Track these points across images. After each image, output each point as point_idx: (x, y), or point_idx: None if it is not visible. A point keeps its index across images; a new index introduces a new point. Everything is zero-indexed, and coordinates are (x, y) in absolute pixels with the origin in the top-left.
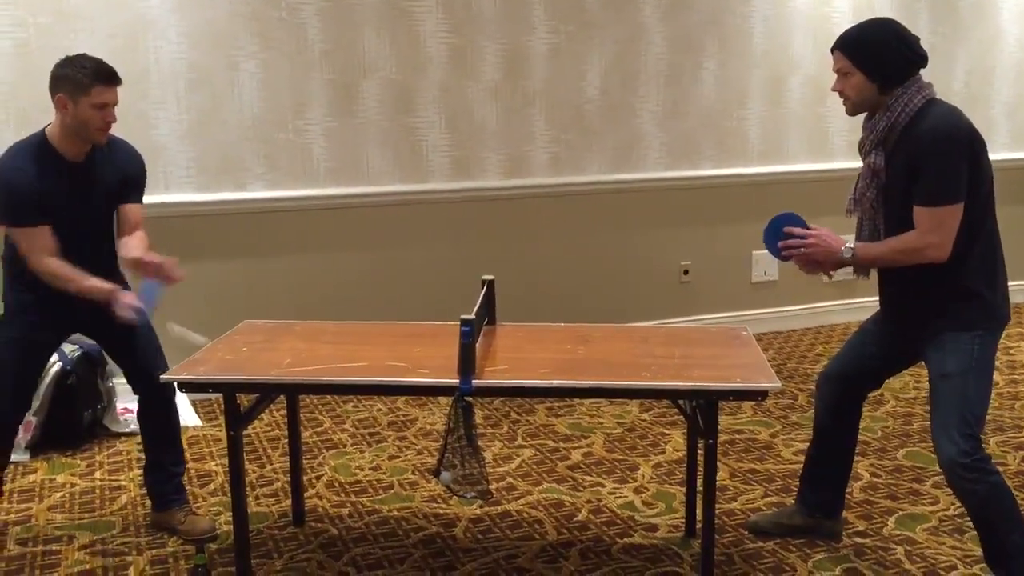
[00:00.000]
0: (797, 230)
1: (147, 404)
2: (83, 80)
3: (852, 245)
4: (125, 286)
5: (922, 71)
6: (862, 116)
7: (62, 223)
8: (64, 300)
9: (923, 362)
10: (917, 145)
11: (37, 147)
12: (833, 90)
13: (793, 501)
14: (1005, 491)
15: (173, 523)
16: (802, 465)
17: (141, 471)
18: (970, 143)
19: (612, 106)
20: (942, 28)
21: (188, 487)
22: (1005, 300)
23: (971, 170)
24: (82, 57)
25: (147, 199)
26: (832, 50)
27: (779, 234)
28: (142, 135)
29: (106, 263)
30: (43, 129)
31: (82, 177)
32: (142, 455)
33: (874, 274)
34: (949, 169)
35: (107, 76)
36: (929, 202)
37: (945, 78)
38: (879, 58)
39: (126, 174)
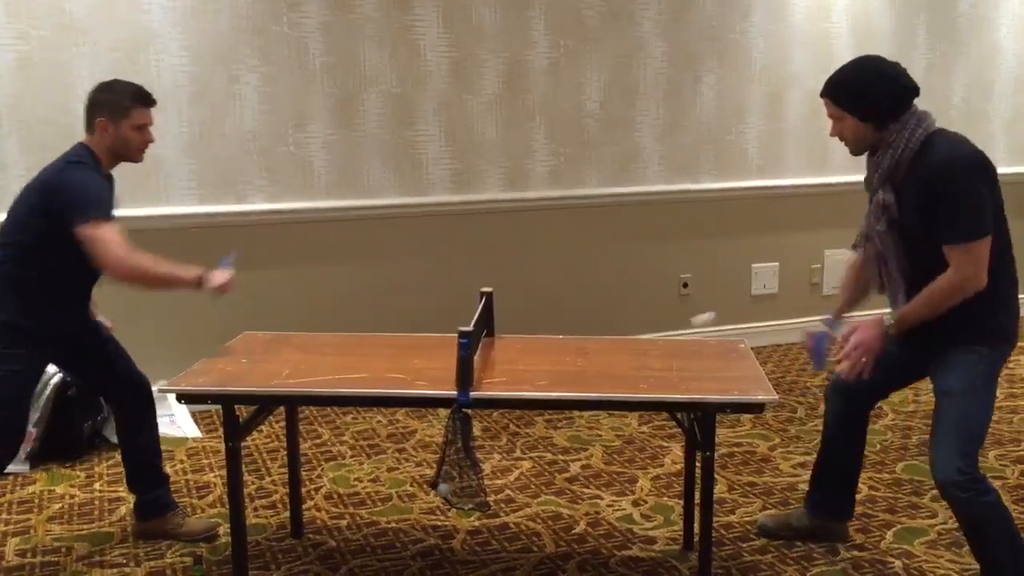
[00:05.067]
0: (837, 347)
1: (136, 410)
2: (123, 103)
3: (890, 321)
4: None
5: (922, 86)
6: None
7: None
8: (55, 332)
9: (928, 378)
10: (931, 179)
11: (93, 160)
12: (831, 135)
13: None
14: (1000, 510)
15: (169, 528)
16: (810, 475)
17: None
18: (985, 169)
19: (611, 120)
20: (940, 44)
21: (187, 498)
22: (1016, 323)
23: (989, 194)
24: (117, 82)
25: (148, 211)
26: (821, 96)
27: (822, 344)
28: None
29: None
30: (81, 144)
31: (112, 194)
32: None
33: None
34: (973, 202)
35: (145, 98)
36: (960, 239)
37: (943, 93)
38: (866, 99)
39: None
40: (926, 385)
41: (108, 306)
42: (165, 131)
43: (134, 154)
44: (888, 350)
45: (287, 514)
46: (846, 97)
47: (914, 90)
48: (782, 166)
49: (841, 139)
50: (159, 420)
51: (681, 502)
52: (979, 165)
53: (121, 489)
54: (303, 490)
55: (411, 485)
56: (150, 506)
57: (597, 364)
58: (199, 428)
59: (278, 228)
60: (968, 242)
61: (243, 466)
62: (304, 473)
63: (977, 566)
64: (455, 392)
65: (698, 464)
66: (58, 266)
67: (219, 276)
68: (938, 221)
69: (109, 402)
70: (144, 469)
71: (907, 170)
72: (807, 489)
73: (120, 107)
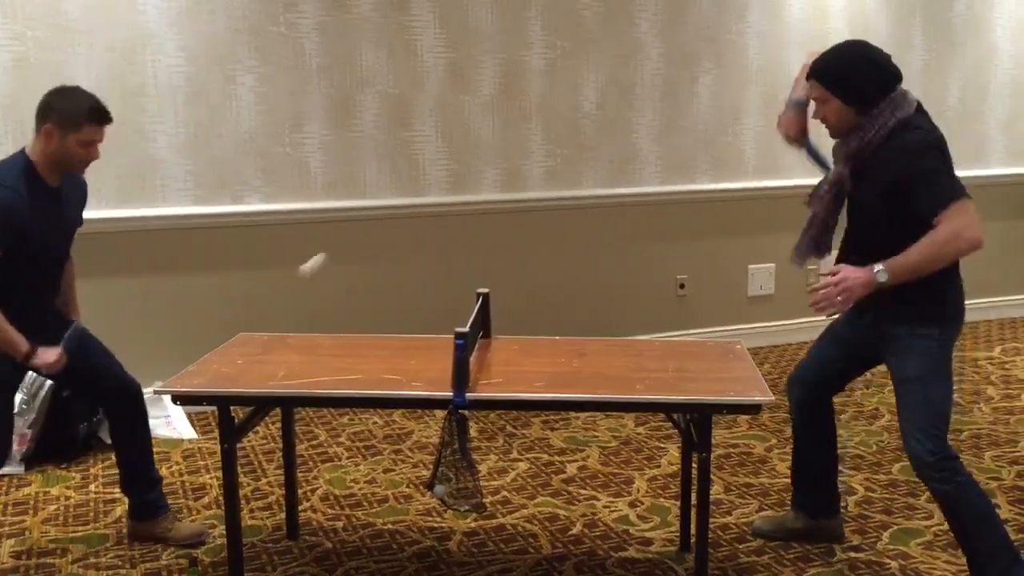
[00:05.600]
0: (822, 279)
1: (125, 415)
2: (77, 117)
3: (881, 267)
4: (55, 317)
5: (918, 87)
6: None
7: (40, 248)
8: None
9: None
10: (893, 166)
11: (25, 169)
12: (814, 118)
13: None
14: (975, 491)
15: (159, 531)
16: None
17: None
18: (943, 150)
19: (608, 121)
20: (936, 45)
21: (183, 500)
22: (962, 299)
23: None
24: (76, 92)
25: (145, 211)
26: (807, 79)
27: None
28: (140, 148)
29: (57, 289)
30: (22, 151)
31: (59, 202)
32: None
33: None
34: (941, 172)
35: (100, 116)
36: (943, 203)
37: (939, 94)
38: (851, 82)
39: (84, 198)
40: None
41: (105, 307)
42: (161, 132)
43: (75, 167)
44: (842, 335)
45: (283, 516)
46: (834, 80)
47: (897, 76)
48: (779, 167)
49: (824, 122)
50: (155, 421)
51: (678, 503)
52: (937, 146)
53: (116, 491)
54: (299, 491)
55: (407, 486)
56: (142, 509)
57: (594, 365)
58: (195, 429)
59: (275, 229)
60: (950, 203)
61: (239, 468)
62: (300, 474)
63: None
64: (451, 393)
65: (694, 465)
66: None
67: (49, 355)
68: (913, 202)
69: (100, 407)
70: (136, 473)
71: (872, 154)
72: (792, 491)
73: (72, 120)
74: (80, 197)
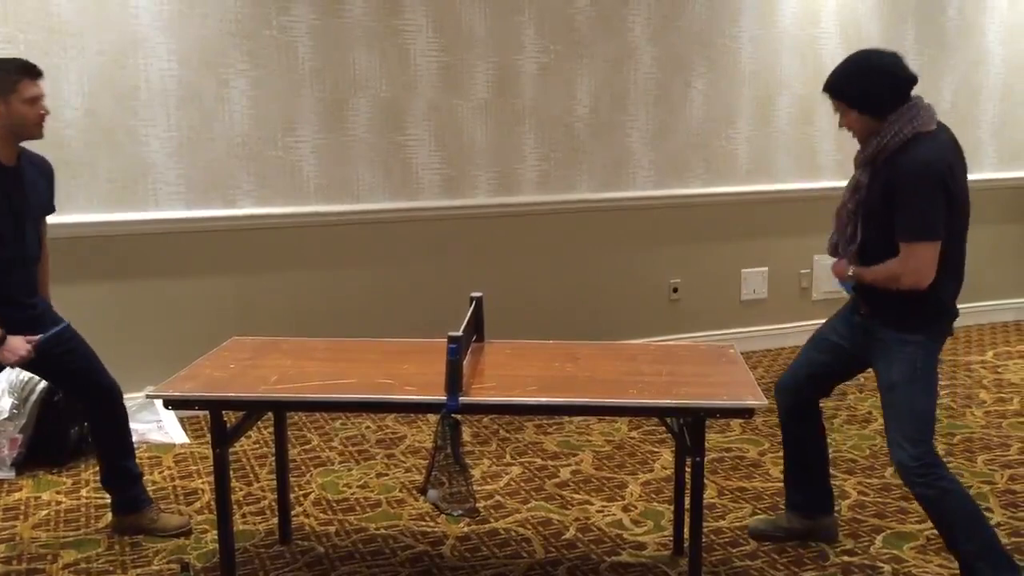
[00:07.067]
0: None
1: (104, 414)
2: (9, 77)
3: (851, 272)
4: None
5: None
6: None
7: (4, 231)
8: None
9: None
10: (895, 176)
11: None
12: (839, 127)
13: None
14: (959, 496)
15: (144, 523)
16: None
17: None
18: (942, 180)
19: (601, 125)
20: (928, 49)
21: (175, 504)
22: (951, 307)
23: (947, 204)
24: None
25: (137, 215)
26: (824, 91)
27: None
28: (131, 152)
29: (36, 274)
30: None
31: (19, 182)
32: None
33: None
34: (924, 206)
35: (30, 70)
36: (907, 238)
37: (932, 98)
38: (864, 93)
39: (50, 180)
40: None
41: (96, 311)
42: (153, 136)
43: (32, 129)
44: (830, 339)
45: (275, 520)
46: (848, 94)
47: (911, 80)
48: (771, 171)
49: (848, 130)
50: (147, 426)
51: (671, 507)
52: (937, 175)
53: (108, 496)
54: (292, 496)
55: (400, 491)
56: (126, 503)
57: (587, 369)
58: (187, 434)
59: (267, 233)
60: (913, 241)
61: (231, 472)
62: (293, 479)
63: None
64: (444, 398)
65: (688, 469)
66: None
67: (20, 346)
68: (896, 216)
69: (80, 403)
70: (117, 469)
71: (885, 161)
72: (784, 491)
73: (6, 83)
74: (46, 181)
